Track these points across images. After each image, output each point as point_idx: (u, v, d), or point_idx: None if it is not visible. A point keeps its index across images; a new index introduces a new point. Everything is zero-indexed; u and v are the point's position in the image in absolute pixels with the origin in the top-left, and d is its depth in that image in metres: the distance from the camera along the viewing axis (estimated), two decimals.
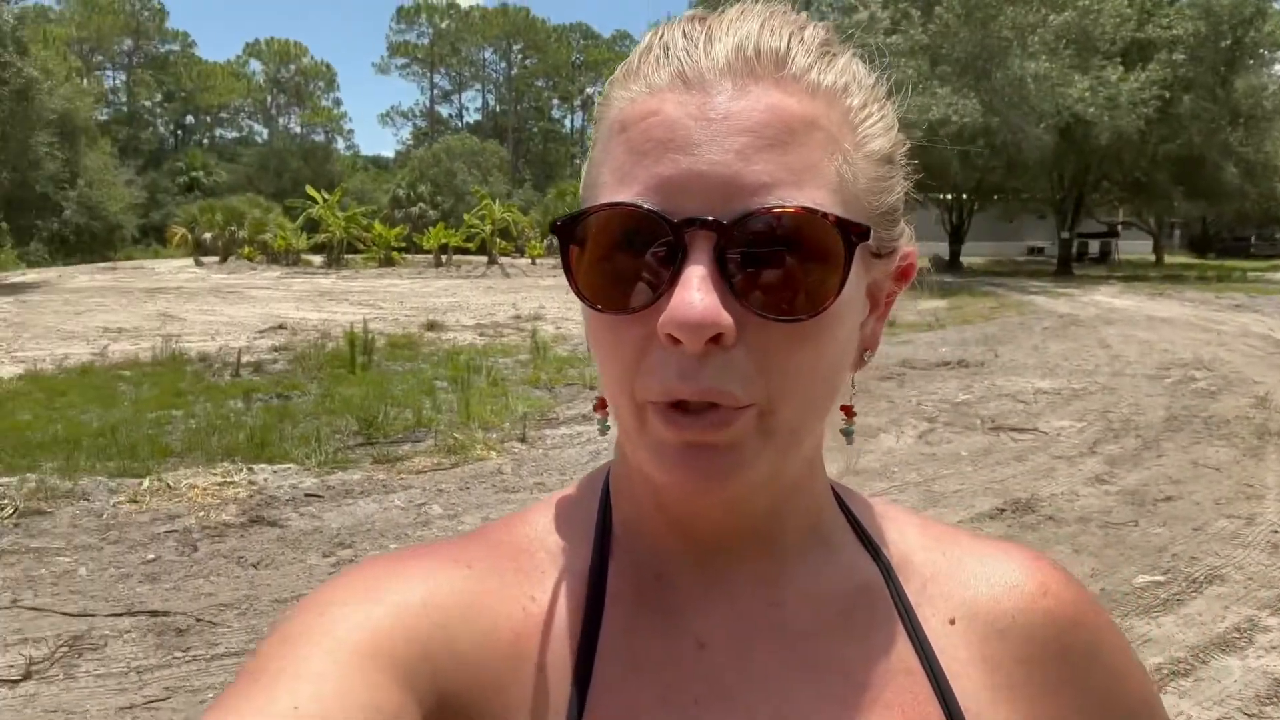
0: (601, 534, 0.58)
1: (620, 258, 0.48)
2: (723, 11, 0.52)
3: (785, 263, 0.46)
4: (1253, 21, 29.14)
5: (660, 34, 0.52)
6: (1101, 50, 27.06)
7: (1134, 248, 46.60)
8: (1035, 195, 36.07)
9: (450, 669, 0.49)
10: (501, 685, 0.51)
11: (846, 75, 0.51)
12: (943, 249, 37.78)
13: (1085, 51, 26.68)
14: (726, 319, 0.45)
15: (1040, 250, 47.20)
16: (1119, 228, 45.23)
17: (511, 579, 0.55)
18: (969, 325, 15.29)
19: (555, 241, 0.52)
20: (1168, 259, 42.80)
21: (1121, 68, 26.56)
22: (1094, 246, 43.63)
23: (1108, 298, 21.26)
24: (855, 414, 0.59)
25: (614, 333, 0.50)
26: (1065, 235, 33.28)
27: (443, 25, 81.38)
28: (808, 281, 0.47)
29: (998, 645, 0.58)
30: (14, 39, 24.23)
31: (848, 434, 0.60)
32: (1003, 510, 5.36)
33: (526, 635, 0.53)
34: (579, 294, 0.50)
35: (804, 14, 0.53)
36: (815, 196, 0.47)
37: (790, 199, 0.46)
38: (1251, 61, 30.65)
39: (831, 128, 0.49)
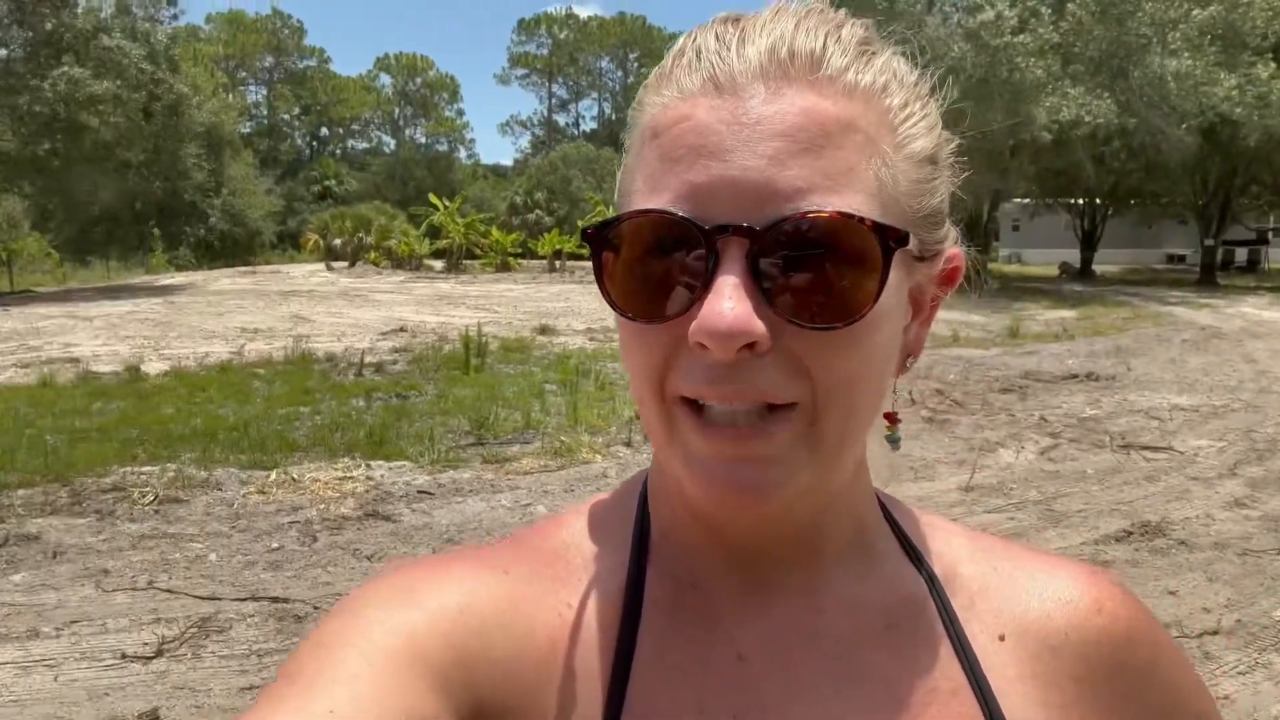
0: (639, 541, 0.57)
1: (652, 265, 0.48)
2: (757, 13, 0.51)
3: (820, 269, 0.45)
4: None
5: (694, 37, 0.51)
6: (1251, 46, 25.28)
7: None
8: (1176, 200, 33.97)
9: (486, 675, 0.49)
10: (537, 692, 0.50)
11: (886, 74, 0.50)
12: (1073, 256, 36.12)
13: (1232, 48, 24.97)
14: (759, 327, 0.44)
15: (1181, 258, 44.37)
16: (1269, 235, 42.09)
17: (548, 585, 0.55)
18: (1100, 336, 14.52)
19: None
20: None
21: (1274, 64, 24.74)
22: (1241, 254, 40.71)
23: (1255, 309, 19.84)
24: (899, 420, 0.58)
25: (644, 340, 0.49)
26: (1209, 242, 31.21)
27: (561, 35, 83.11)
28: (844, 288, 0.46)
29: (1050, 663, 0.56)
30: (167, 58, 26.00)
31: (893, 440, 0.59)
32: (1130, 533, 5.05)
33: (562, 642, 0.52)
34: (610, 302, 0.50)
35: (842, 11, 0.52)
36: (852, 201, 0.45)
37: (825, 204, 0.45)
38: None
39: (869, 129, 0.48)
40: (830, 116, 0.47)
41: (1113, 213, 36.13)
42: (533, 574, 0.55)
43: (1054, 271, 36.19)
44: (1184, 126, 23.65)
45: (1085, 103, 22.35)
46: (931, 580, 0.58)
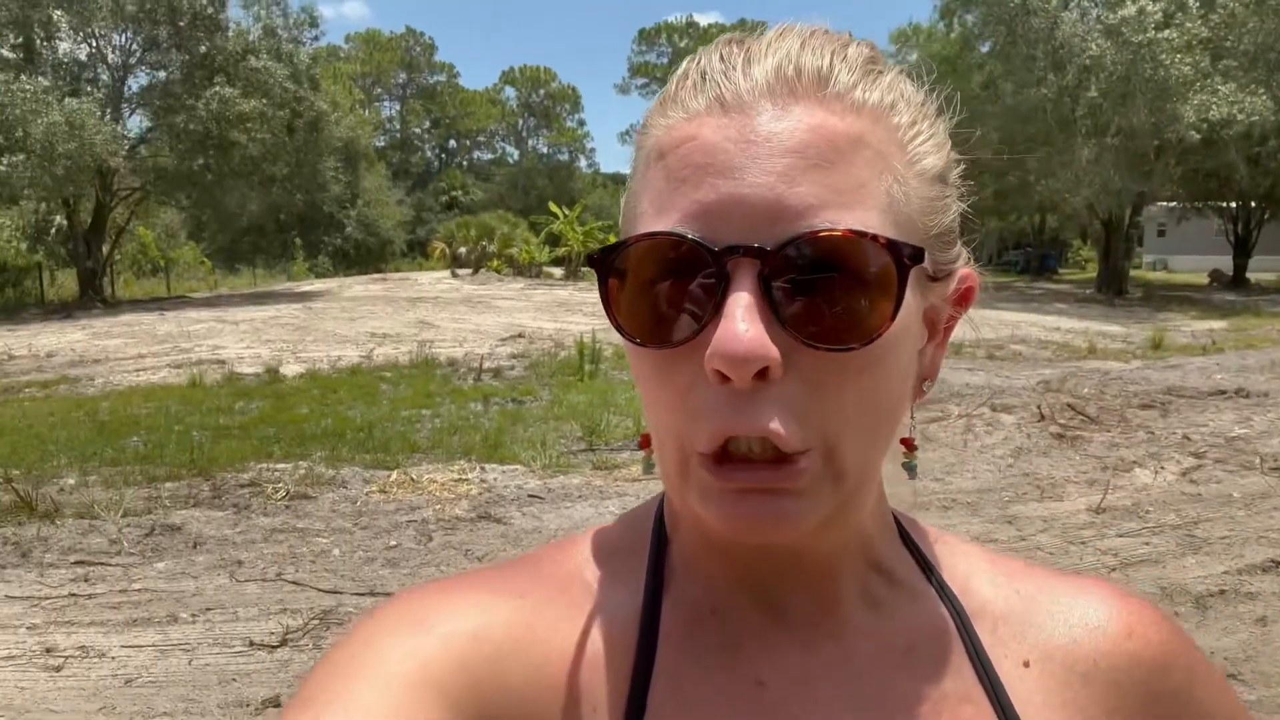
0: (655, 567, 0.56)
1: (661, 289, 0.47)
2: (761, 34, 0.50)
3: (835, 289, 0.44)
4: None
5: (698, 60, 0.51)
6: None
7: None
8: None
9: (500, 703, 0.48)
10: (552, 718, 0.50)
11: (893, 93, 0.49)
12: (1225, 263, 33.75)
13: None
14: (774, 351, 0.43)
15: None
16: None
17: (564, 612, 0.54)
18: (1253, 350, 13.50)
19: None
20: None
21: None
22: None
23: None
24: (916, 447, 0.57)
25: (657, 369, 0.48)
26: None
27: (681, 44, 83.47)
28: (859, 308, 0.45)
29: (1080, 691, 0.55)
30: (309, 77, 27.49)
31: (909, 468, 0.57)
32: (1277, 563, 4.66)
33: (578, 670, 0.52)
34: (619, 328, 0.49)
35: (847, 32, 0.51)
36: (864, 218, 0.44)
37: (838, 221, 0.44)
38: None
39: (880, 145, 0.47)
40: (839, 132, 0.46)
41: (1269, 217, 33.54)
42: (548, 600, 0.54)
43: (1203, 279, 33.92)
44: None
45: (1238, 100, 20.90)
46: (952, 604, 0.57)
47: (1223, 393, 9.61)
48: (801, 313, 0.44)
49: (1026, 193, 29.18)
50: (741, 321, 0.42)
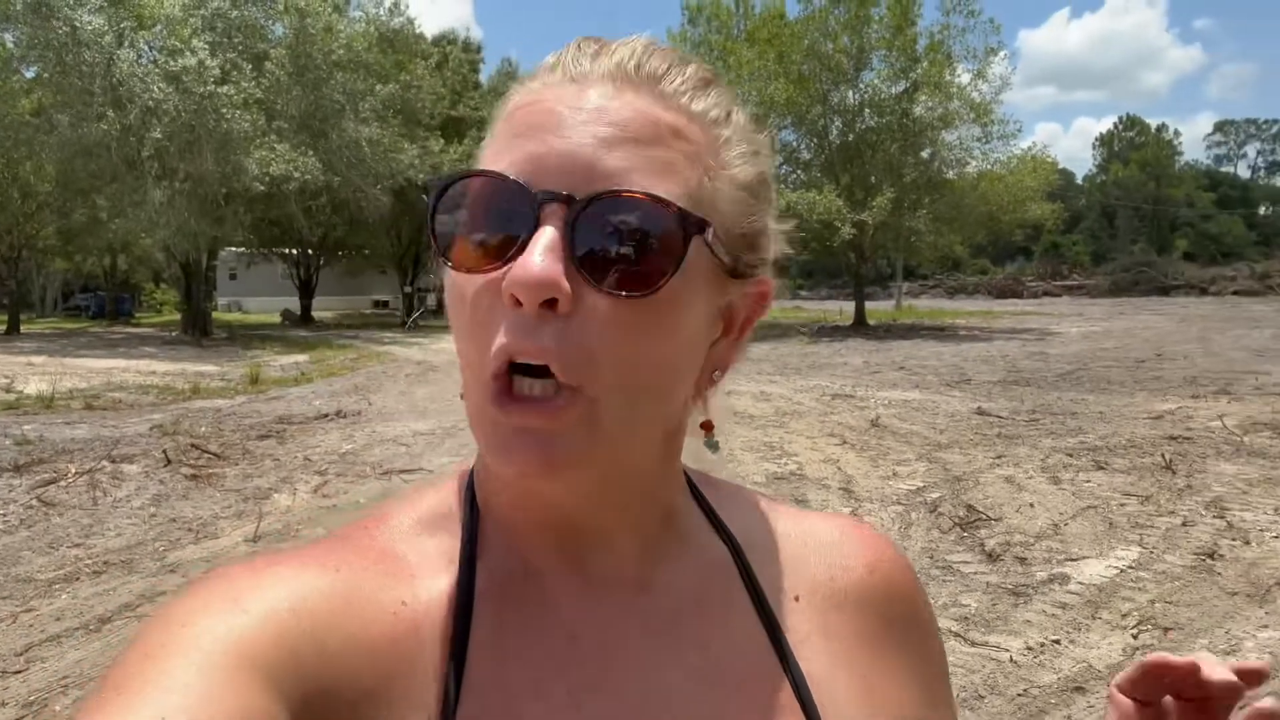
0: (469, 532, 0.58)
1: (481, 223, 0.51)
2: (620, 40, 0.57)
3: (627, 242, 0.50)
4: None
5: (558, 53, 0.57)
6: (424, 123, 29.89)
7: None
8: (377, 252, 38.02)
9: (322, 675, 0.48)
10: (375, 689, 0.51)
11: (719, 109, 0.56)
12: (293, 303, 37.48)
13: (410, 123, 29.16)
14: (564, 284, 0.48)
15: (385, 303, 49.80)
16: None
17: (381, 582, 0.54)
18: (337, 377, 15.44)
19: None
20: None
21: (442, 140, 29.68)
22: (431, 299, 47.54)
23: (452, 344, 23.36)
24: (714, 428, 0.63)
25: (468, 295, 0.52)
26: (408, 289, 35.70)
27: None
28: (646, 262, 0.50)
29: (835, 618, 0.64)
30: None
31: (711, 446, 0.64)
32: None
33: (399, 637, 0.53)
34: (439, 253, 0.53)
35: (693, 55, 0.59)
36: (668, 189, 0.50)
37: (644, 187, 0.50)
38: None
39: (697, 144, 0.53)
40: (663, 121, 0.52)
41: (324, 262, 38.65)
42: (363, 571, 0.54)
43: (276, 319, 37.08)
44: (379, 187, 26.65)
45: (293, 158, 23.46)
46: (735, 549, 0.64)
47: (326, 416, 10.80)
48: (595, 258, 0.49)
49: (97, 232, 27.51)
50: (539, 255, 0.48)
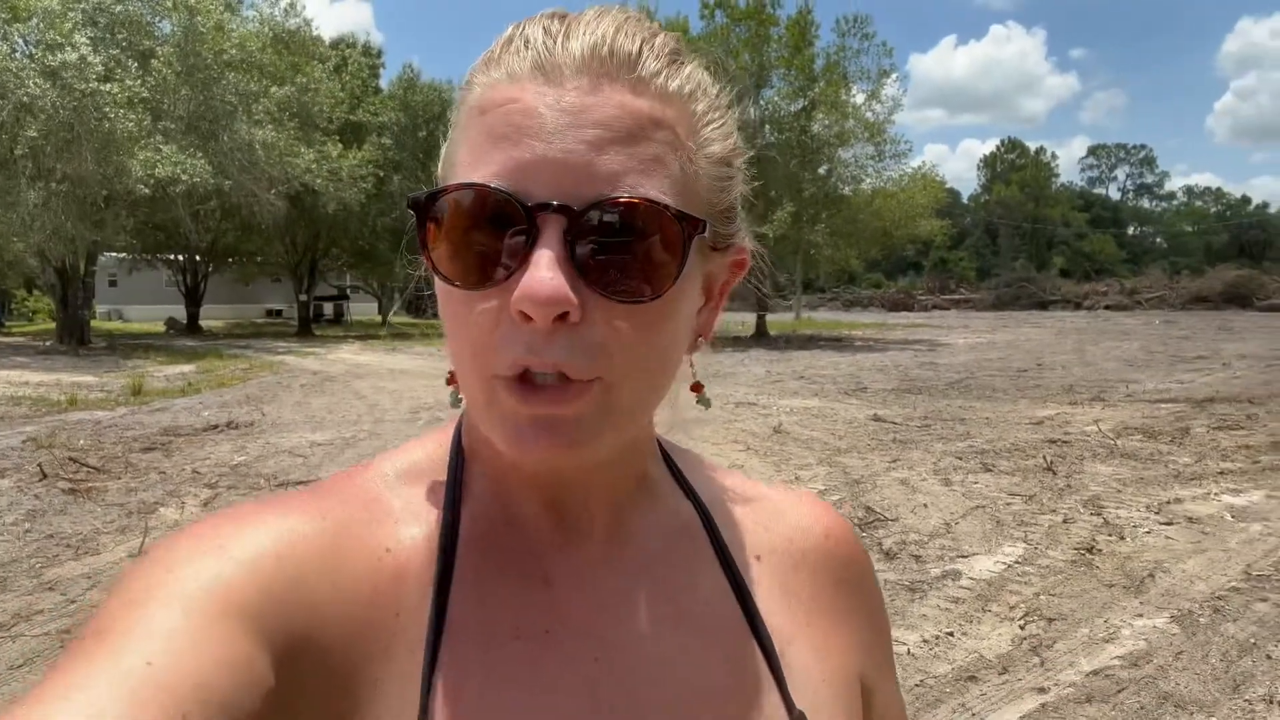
0: (454, 483, 0.59)
1: (475, 236, 0.51)
2: (581, 13, 0.56)
3: (628, 249, 0.50)
4: (440, 118, 34.63)
5: (521, 28, 0.55)
6: (321, 127, 29.04)
7: (362, 309, 50.81)
8: (271, 259, 36.74)
9: (306, 620, 0.49)
10: (359, 633, 0.51)
11: (692, 83, 0.56)
12: (179, 311, 35.87)
13: (307, 126, 28.31)
14: (573, 298, 0.48)
15: (279, 312, 48.15)
16: (349, 291, 48.85)
17: (366, 529, 0.55)
18: (227, 388, 14.83)
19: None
20: (392, 319, 47.72)
21: (340, 145, 28.90)
22: (329, 308, 46.24)
23: (351, 355, 22.79)
24: (703, 387, 0.66)
25: (467, 308, 0.52)
26: (303, 298, 34.62)
27: None
28: (648, 267, 0.50)
29: (793, 578, 0.68)
30: None
31: (704, 402, 0.66)
32: None
33: (383, 582, 0.54)
34: (434, 269, 0.52)
35: (656, 23, 0.57)
36: (659, 188, 0.51)
37: (636, 189, 0.50)
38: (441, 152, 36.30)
39: (676, 128, 0.53)
40: (643, 113, 0.52)
41: (213, 269, 37.11)
42: (350, 518, 0.55)
43: (160, 327, 35.40)
44: (273, 192, 25.77)
45: (181, 161, 22.49)
46: (702, 511, 0.67)
47: (215, 427, 10.36)
48: (599, 266, 0.49)
49: None
50: (546, 270, 0.47)
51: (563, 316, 0.48)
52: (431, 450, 0.63)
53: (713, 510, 0.68)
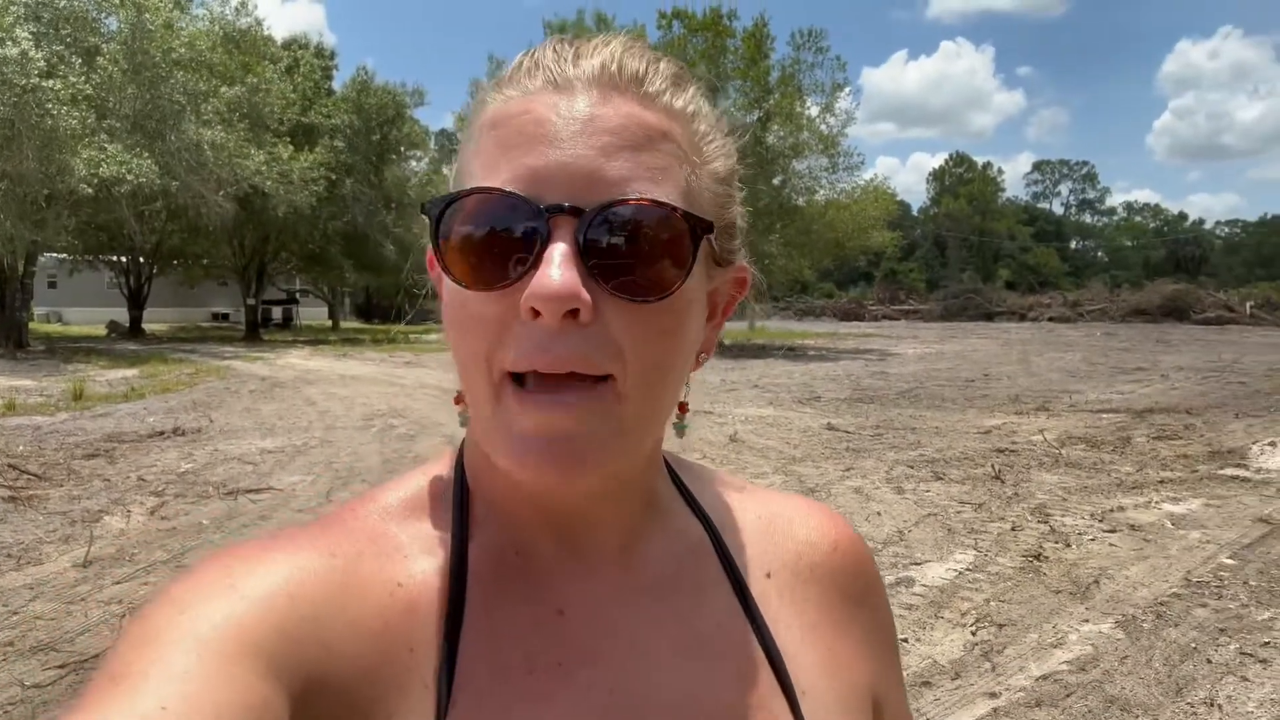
0: (460, 514, 0.59)
1: (488, 240, 0.51)
2: (589, 39, 0.57)
3: (638, 248, 0.51)
4: (395, 121, 34.33)
5: (532, 53, 0.57)
6: (272, 128, 28.57)
7: (312, 314, 50.03)
8: (218, 261, 36.01)
9: (320, 658, 0.49)
10: (372, 669, 0.51)
11: (694, 104, 0.58)
12: (121, 314, 34.95)
13: (258, 127, 27.84)
14: (584, 294, 0.49)
15: (226, 316, 47.19)
16: (298, 295, 48.05)
17: (376, 564, 0.55)
18: (172, 393, 14.49)
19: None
20: (342, 324, 47.06)
21: (292, 147, 28.46)
22: (277, 312, 45.43)
23: (300, 360, 22.40)
24: (688, 409, 0.65)
25: (478, 309, 0.52)
26: (251, 301, 33.97)
27: None
28: (658, 266, 0.51)
29: (803, 592, 0.67)
30: None
31: (679, 428, 0.66)
32: None
33: (394, 618, 0.54)
34: (446, 272, 0.53)
35: (659, 51, 0.60)
36: (667, 193, 0.52)
37: (645, 193, 0.51)
38: (394, 157, 36.04)
39: (681, 142, 0.55)
40: (651, 124, 0.53)
41: (158, 271, 36.26)
42: (359, 554, 0.55)
43: (102, 330, 34.47)
44: (222, 194, 25.26)
45: (126, 160, 21.96)
46: (711, 529, 0.67)
47: (161, 433, 10.13)
48: (609, 266, 0.50)
49: None
50: (558, 268, 0.48)
51: (574, 314, 0.49)
52: (432, 481, 0.63)
53: (721, 528, 0.68)
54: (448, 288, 0.54)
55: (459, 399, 0.59)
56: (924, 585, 5.13)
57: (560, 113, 0.52)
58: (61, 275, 40.46)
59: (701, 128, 0.58)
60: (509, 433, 0.52)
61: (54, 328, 38.15)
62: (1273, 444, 9.69)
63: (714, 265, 0.59)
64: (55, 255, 33.82)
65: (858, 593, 0.70)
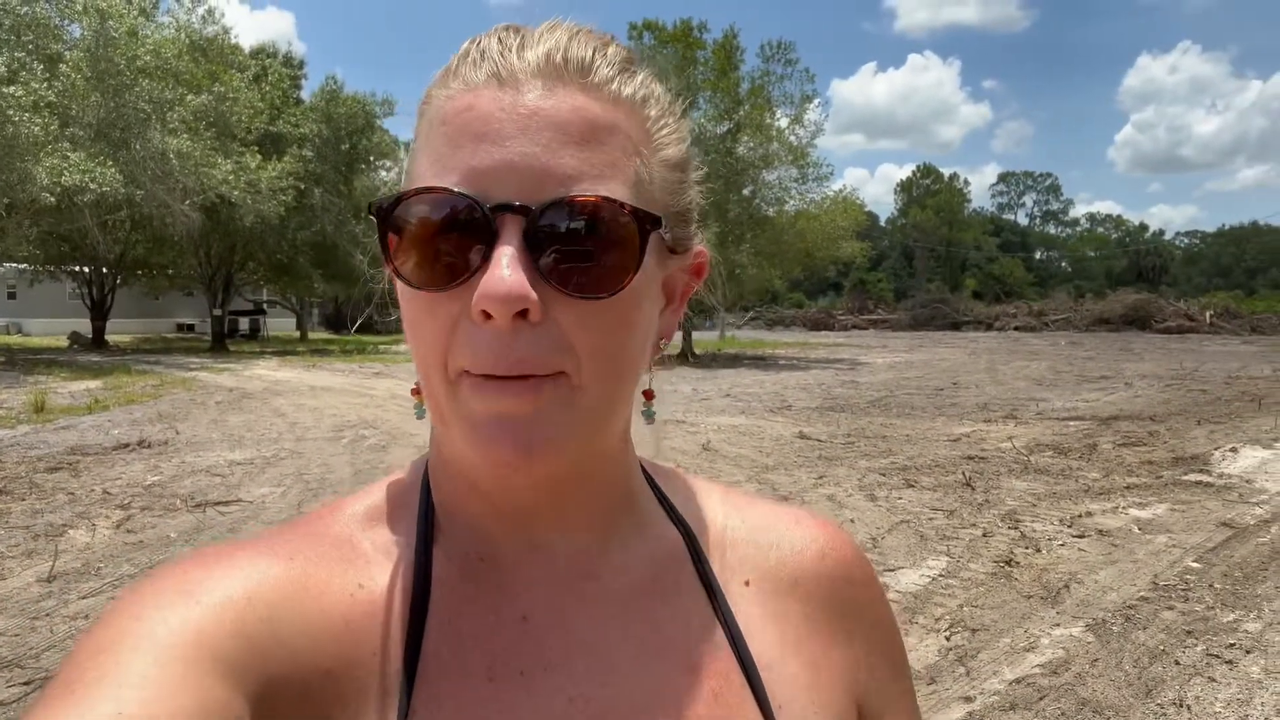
0: (424, 519, 0.59)
1: (436, 240, 0.51)
2: (534, 26, 0.56)
3: (587, 246, 0.50)
4: (364, 131, 34.10)
5: (477, 41, 0.56)
6: (239, 137, 28.27)
7: (279, 324, 49.47)
8: (184, 272, 35.52)
9: (280, 661, 0.49)
10: (334, 673, 0.51)
11: (645, 90, 0.57)
12: (84, 325, 34.33)
13: (225, 136, 27.53)
14: (533, 294, 0.48)
15: (191, 327, 46.53)
16: (265, 305, 47.49)
17: (337, 568, 0.55)
18: (137, 405, 14.25)
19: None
20: (311, 335, 46.55)
21: (260, 156, 28.16)
22: (244, 323, 44.85)
23: (268, 371, 22.13)
24: (654, 396, 0.65)
25: (430, 310, 0.52)
26: (218, 312, 33.53)
27: None
28: (607, 263, 0.51)
29: (786, 603, 0.65)
30: None
31: (648, 415, 0.65)
32: None
33: (356, 622, 0.53)
34: (396, 274, 0.53)
35: (608, 35, 0.58)
36: (615, 189, 0.51)
37: (593, 189, 0.50)
38: (364, 166, 35.78)
39: (630, 132, 0.54)
40: (598, 116, 0.52)
41: (121, 282, 35.68)
42: (319, 557, 0.55)
43: (63, 342, 33.83)
44: (188, 203, 24.93)
45: (89, 169, 21.63)
46: (688, 536, 0.65)
47: (126, 446, 9.96)
48: (558, 265, 0.50)
49: None
50: (506, 269, 0.48)
51: (523, 314, 0.49)
52: (398, 490, 0.62)
53: (700, 535, 0.66)
54: (400, 287, 0.54)
55: (416, 390, 0.58)
56: (898, 591, 5.17)
57: (505, 108, 0.51)
58: (22, 286, 39.60)
59: (652, 113, 0.57)
60: (468, 419, 0.51)
61: (14, 339, 37.37)
62: (1234, 450, 9.89)
63: (668, 254, 0.58)
64: (15, 265, 33.18)
65: (846, 601, 0.67)
